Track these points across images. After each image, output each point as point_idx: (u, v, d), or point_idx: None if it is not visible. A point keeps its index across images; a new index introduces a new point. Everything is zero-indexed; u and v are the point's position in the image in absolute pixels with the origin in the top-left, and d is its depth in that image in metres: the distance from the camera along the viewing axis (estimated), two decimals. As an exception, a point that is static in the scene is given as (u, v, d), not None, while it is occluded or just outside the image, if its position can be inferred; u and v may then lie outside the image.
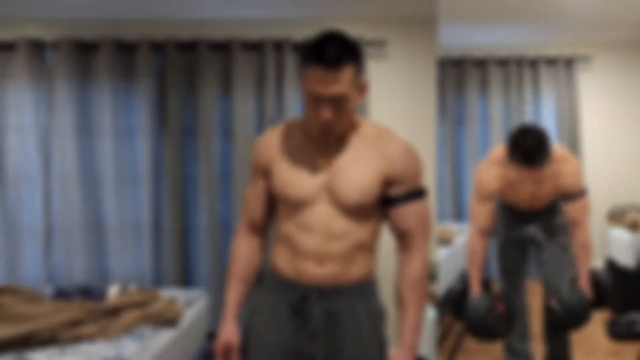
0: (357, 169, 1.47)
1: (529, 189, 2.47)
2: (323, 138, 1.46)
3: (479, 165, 2.61)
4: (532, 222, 2.65)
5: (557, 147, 2.48)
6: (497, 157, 2.46)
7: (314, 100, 1.39)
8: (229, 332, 1.55)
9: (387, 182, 1.49)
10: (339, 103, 1.38)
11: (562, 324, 2.50)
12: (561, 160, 2.43)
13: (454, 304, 2.66)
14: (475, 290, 2.49)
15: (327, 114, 1.38)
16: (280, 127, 1.58)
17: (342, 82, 1.36)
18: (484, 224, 2.50)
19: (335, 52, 1.34)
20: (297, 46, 3.16)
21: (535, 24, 3.70)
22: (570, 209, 2.47)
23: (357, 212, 1.47)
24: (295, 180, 1.47)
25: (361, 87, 1.44)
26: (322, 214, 1.46)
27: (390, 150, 1.49)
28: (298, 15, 3.13)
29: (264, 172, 1.55)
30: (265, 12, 3.10)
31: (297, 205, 1.47)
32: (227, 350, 1.54)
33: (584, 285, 2.47)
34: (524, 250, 2.73)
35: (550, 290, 2.60)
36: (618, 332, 3.14)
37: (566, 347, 2.70)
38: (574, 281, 2.50)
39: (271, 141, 1.55)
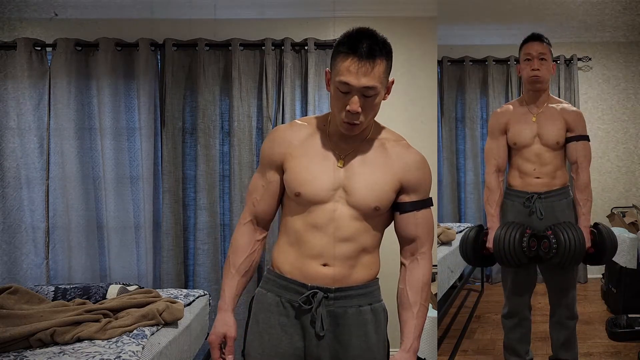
0: (374, 173, 1.47)
1: (535, 125, 2.58)
2: (347, 133, 1.45)
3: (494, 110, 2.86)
4: (537, 213, 2.63)
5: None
6: (511, 102, 2.75)
7: (344, 92, 1.39)
8: (226, 324, 1.52)
9: (400, 190, 1.50)
10: (368, 96, 1.39)
11: (554, 258, 2.52)
12: (563, 103, 2.64)
13: (471, 250, 2.72)
14: (496, 225, 2.61)
15: (356, 105, 1.38)
16: (295, 123, 1.57)
17: (374, 75, 1.36)
18: (498, 161, 2.67)
19: (370, 45, 1.35)
20: (297, 46, 3.16)
21: (534, 25, 3.70)
22: (573, 148, 2.58)
23: (369, 215, 1.47)
24: (311, 178, 1.46)
25: (388, 87, 1.45)
26: (334, 215, 1.46)
27: (409, 158, 1.51)
28: (298, 15, 3.13)
29: (277, 167, 1.53)
30: (265, 12, 3.10)
31: (310, 204, 1.47)
32: (222, 343, 1.51)
33: (582, 227, 2.51)
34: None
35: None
36: (618, 332, 3.14)
37: (570, 342, 2.69)
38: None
39: (287, 136, 1.53)
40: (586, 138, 2.62)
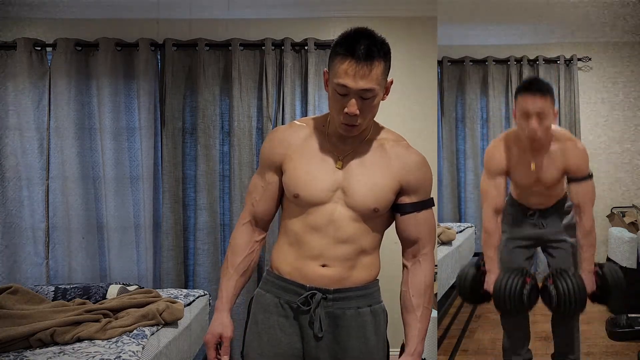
0: (373, 174, 1.46)
1: (535, 169, 2.49)
2: (345, 134, 1.45)
3: (489, 145, 2.66)
4: (540, 221, 2.64)
5: (559, 128, 2.53)
6: (506, 136, 2.53)
7: (342, 94, 1.37)
8: (222, 324, 1.51)
9: (401, 191, 1.49)
10: (366, 98, 1.38)
11: (556, 308, 2.48)
12: (566, 139, 2.43)
13: (469, 289, 2.63)
14: (495, 271, 2.50)
15: (353, 108, 1.37)
16: (294, 124, 1.56)
17: (372, 77, 1.35)
18: (497, 202, 2.51)
19: (368, 47, 1.34)
20: (297, 46, 3.16)
21: (535, 24, 3.70)
22: (574, 191, 2.46)
23: (368, 216, 1.47)
24: (309, 179, 1.46)
25: (387, 87, 1.44)
26: (333, 216, 1.45)
27: (408, 159, 1.49)
28: (298, 15, 3.13)
29: (276, 168, 1.53)
30: (265, 12, 3.10)
31: (308, 205, 1.46)
32: (218, 343, 1.51)
33: (586, 272, 2.45)
34: (530, 250, 2.72)
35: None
36: (618, 332, 3.14)
37: (572, 340, 2.68)
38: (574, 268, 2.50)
39: (286, 137, 1.53)
40: (589, 177, 2.45)
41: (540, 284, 2.50)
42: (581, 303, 2.43)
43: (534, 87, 2.27)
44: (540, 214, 2.61)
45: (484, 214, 2.57)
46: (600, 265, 2.52)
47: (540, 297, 2.49)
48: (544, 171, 2.49)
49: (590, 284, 2.44)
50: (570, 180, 2.45)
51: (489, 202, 2.53)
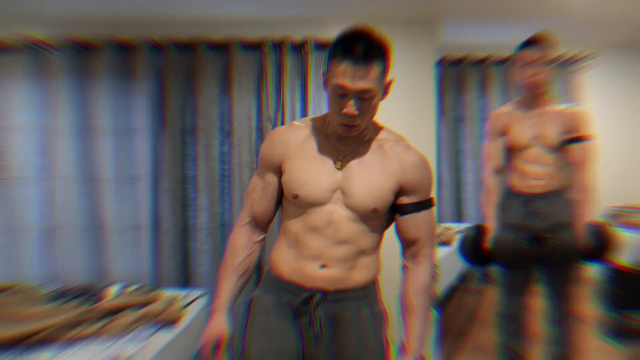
0: (372, 175, 1.46)
1: (534, 126, 2.57)
2: (345, 135, 1.45)
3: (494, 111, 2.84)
4: (537, 214, 2.63)
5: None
6: (510, 104, 2.74)
7: (340, 95, 1.37)
8: (219, 325, 1.52)
9: (400, 191, 1.49)
10: (364, 99, 1.37)
11: (551, 260, 2.56)
12: (568, 105, 2.62)
13: (470, 249, 2.76)
14: (493, 226, 2.67)
15: (352, 109, 1.37)
16: (294, 125, 1.56)
17: (370, 78, 1.34)
18: (497, 162, 2.71)
19: (365, 48, 1.33)
20: (296, 46, 3.16)
21: (536, 24, 3.69)
22: (572, 149, 2.56)
23: (368, 217, 1.47)
24: (309, 180, 1.46)
25: (387, 87, 1.43)
26: (332, 217, 1.45)
27: (407, 160, 1.49)
28: (298, 15, 3.12)
29: (275, 169, 1.53)
30: (265, 11, 3.10)
31: (307, 206, 1.46)
32: (215, 344, 1.51)
33: (578, 229, 2.51)
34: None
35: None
36: (615, 332, 3.15)
37: (569, 334, 2.68)
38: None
39: (285, 138, 1.53)
40: (587, 139, 2.58)
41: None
42: (574, 254, 2.54)
43: (532, 42, 2.53)
44: (538, 201, 2.60)
45: (485, 173, 2.77)
46: (594, 223, 2.57)
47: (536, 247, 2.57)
48: (543, 127, 2.58)
49: (582, 239, 2.52)
50: (571, 141, 2.56)
51: (489, 162, 2.74)
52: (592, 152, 2.59)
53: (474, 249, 2.72)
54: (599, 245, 2.56)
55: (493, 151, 2.72)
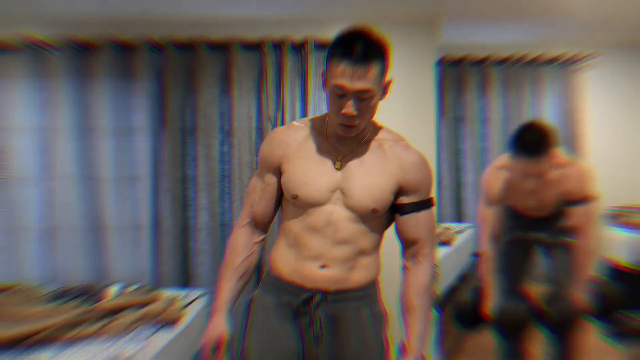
0: (372, 175, 1.46)
1: (533, 193, 2.48)
2: (344, 135, 1.44)
3: (486, 170, 2.66)
4: (538, 225, 2.64)
5: (563, 154, 2.49)
6: (503, 163, 2.53)
7: (339, 95, 1.37)
8: (218, 326, 1.52)
9: (400, 191, 1.49)
10: (363, 99, 1.37)
11: (549, 324, 2.54)
12: (567, 165, 2.44)
13: (466, 315, 2.64)
14: (493, 292, 2.56)
15: (350, 109, 1.36)
16: (293, 125, 1.56)
17: (369, 78, 1.34)
18: (494, 229, 2.57)
19: (364, 48, 1.32)
20: (296, 46, 3.16)
21: (536, 24, 3.69)
22: (573, 213, 2.44)
23: (367, 217, 1.47)
24: (308, 181, 1.46)
25: (386, 87, 1.43)
26: (332, 217, 1.45)
27: (406, 159, 1.48)
28: (298, 15, 3.12)
29: (275, 169, 1.53)
30: (264, 11, 3.09)
31: (307, 206, 1.46)
32: (214, 344, 1.51)
33: (578, 292, 2.46)
34: (529, 251, 2.73)
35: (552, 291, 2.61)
36: (614, 332, 3.15)
37: (565, 347, 2.69)
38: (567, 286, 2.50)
39: (285, 138, 1.53)
40: (589, 200, 2.42)
41: (537, 305, 2.55)
42: (572, 322, 2.49)
43: (530, 150, 2.24)
44: (537, 220, 2.62)
45: (481, 239, 2.60)
46: (596, 284, 2.54)
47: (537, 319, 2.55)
48: (543, 194, 2.49)
49: (582, 304, 2.46)
50: (571, 203, 2.44)
51: (487, 229, 2.57)
52: (594, 213, 2.45)
53: (473, 315, 2.60)
54: (602, 306, 2.54)
55: (490, 218, 2.56)
